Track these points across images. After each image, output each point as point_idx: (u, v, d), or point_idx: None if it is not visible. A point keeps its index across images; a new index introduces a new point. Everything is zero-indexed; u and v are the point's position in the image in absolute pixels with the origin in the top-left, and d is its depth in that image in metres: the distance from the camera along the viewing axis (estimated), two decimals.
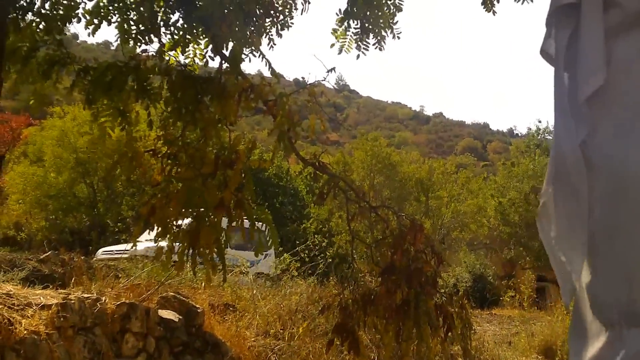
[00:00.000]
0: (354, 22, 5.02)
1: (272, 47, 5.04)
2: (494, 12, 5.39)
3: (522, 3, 5.32)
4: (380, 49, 5.07)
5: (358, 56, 5.04)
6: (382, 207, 5.47)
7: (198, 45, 4.91)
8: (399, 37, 5.11)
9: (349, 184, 5.21)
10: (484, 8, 5.40)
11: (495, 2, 5.38)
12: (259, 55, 4.88)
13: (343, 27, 5.01)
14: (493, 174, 34.01)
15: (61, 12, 4.54)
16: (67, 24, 4.58)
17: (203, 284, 7.62)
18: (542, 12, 1.56)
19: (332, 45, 5.07)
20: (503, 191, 27.64)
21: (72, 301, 4.87)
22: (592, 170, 1.35)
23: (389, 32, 5.06)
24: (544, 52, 1.54)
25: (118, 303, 5.55)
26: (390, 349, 4.57)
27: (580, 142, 1.38)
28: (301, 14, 5.19)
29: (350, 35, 5.05)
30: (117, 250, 12.73)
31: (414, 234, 4.53)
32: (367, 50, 5.04)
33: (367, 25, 5.01)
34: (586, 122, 1.38)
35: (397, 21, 5.05)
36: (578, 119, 1.41)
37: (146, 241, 13.52)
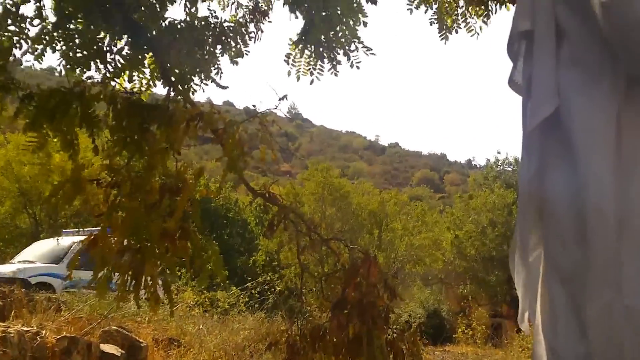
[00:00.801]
0: (309, 47, 4.97)
1: (220, 75, 4.97)
2: (447, 39, 5.52)
3: (473, 35, 5.48)
4: (335, 74, 4.98)
5: (312, 81, 4.97)
6: (333, 239, 5.39)
7: (144, 73, 4.81)
8: (358, 67, 5.03)
9: (299, 216, 5.12)
10: (440, 38, 5.52)
11: (453, 32, 5.51)
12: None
13: (297, 50, 4.95)
14: (450, 206, 33.58)
15: (4, 39, 4.39)
16: (12, 51, 4.43)
17: (147, 318, 7.43)
18: (502, 39, 1.52)
19: (289, 72, 4.99)
20: (459, 224, 27.10)
21: (12, 334, 4.74)
22: (546, 209, 1.31)
23: (345, 58, 4.99)
24: (512, 82, 1.50)
25: (59, 337, 5.44)
26: None
27: (531, 177, 1.34)
28: (254, 42, 5.14)
29: (305, 59, 4.98)
30: None
31: (367, 267, 4.45)
32: (322, 74, 4.96)
33: (321, 49, 4.96)
34: (537, 155, 1.34)
35: (355, 48, 4.98)
36: (529, 151, 1.37)
37: (18, 262, 13.49)
